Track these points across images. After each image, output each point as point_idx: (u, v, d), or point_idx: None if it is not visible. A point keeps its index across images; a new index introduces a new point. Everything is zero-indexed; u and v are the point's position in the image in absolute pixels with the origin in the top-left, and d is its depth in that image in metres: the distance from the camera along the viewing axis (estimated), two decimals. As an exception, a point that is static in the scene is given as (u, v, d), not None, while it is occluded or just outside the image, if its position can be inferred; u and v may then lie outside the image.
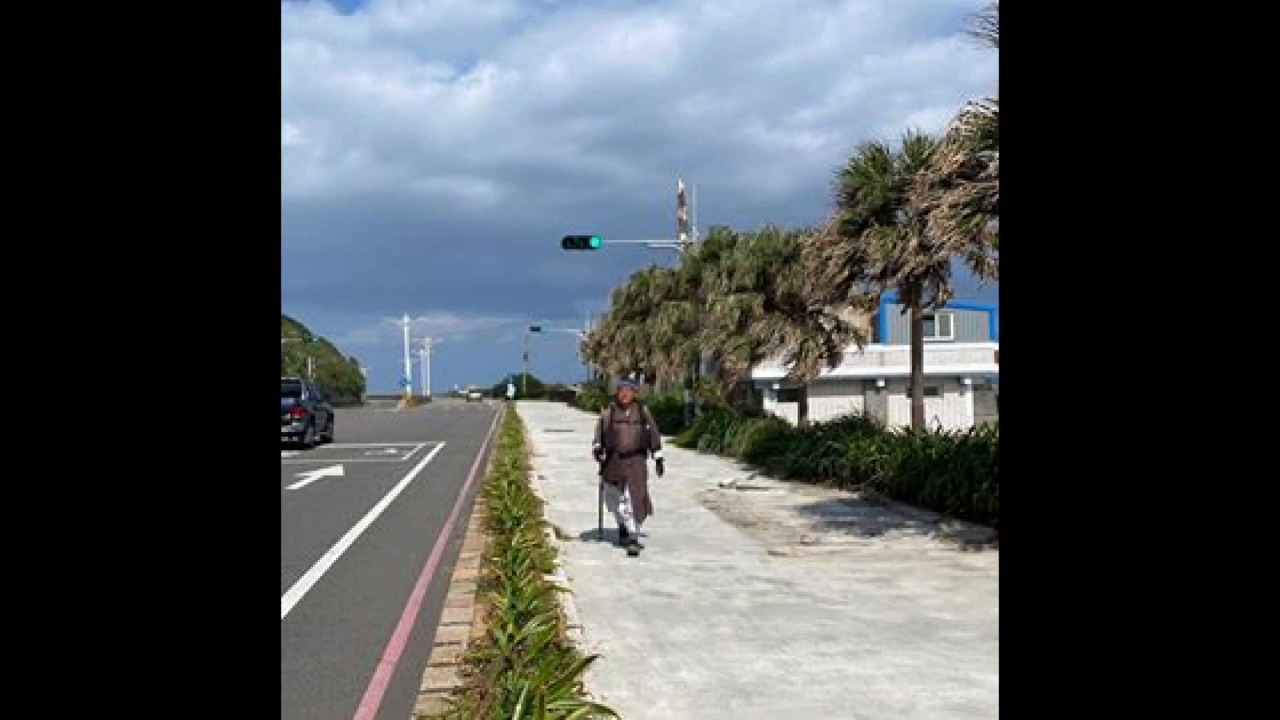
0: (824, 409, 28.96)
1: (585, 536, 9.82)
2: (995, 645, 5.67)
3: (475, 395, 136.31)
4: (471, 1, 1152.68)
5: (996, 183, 9.18)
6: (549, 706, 4.01)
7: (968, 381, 41.44)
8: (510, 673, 4.62)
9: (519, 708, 4.01)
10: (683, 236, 29.51)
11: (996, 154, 9.66)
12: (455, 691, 4.72)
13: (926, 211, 11.65)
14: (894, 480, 12.38)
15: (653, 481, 9.42)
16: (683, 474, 16.15)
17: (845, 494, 13.18)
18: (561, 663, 4.68)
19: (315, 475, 16.57)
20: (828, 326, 20.84)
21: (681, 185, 29.83)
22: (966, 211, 10.21)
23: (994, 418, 13.79)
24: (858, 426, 16.25)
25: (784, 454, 16.17)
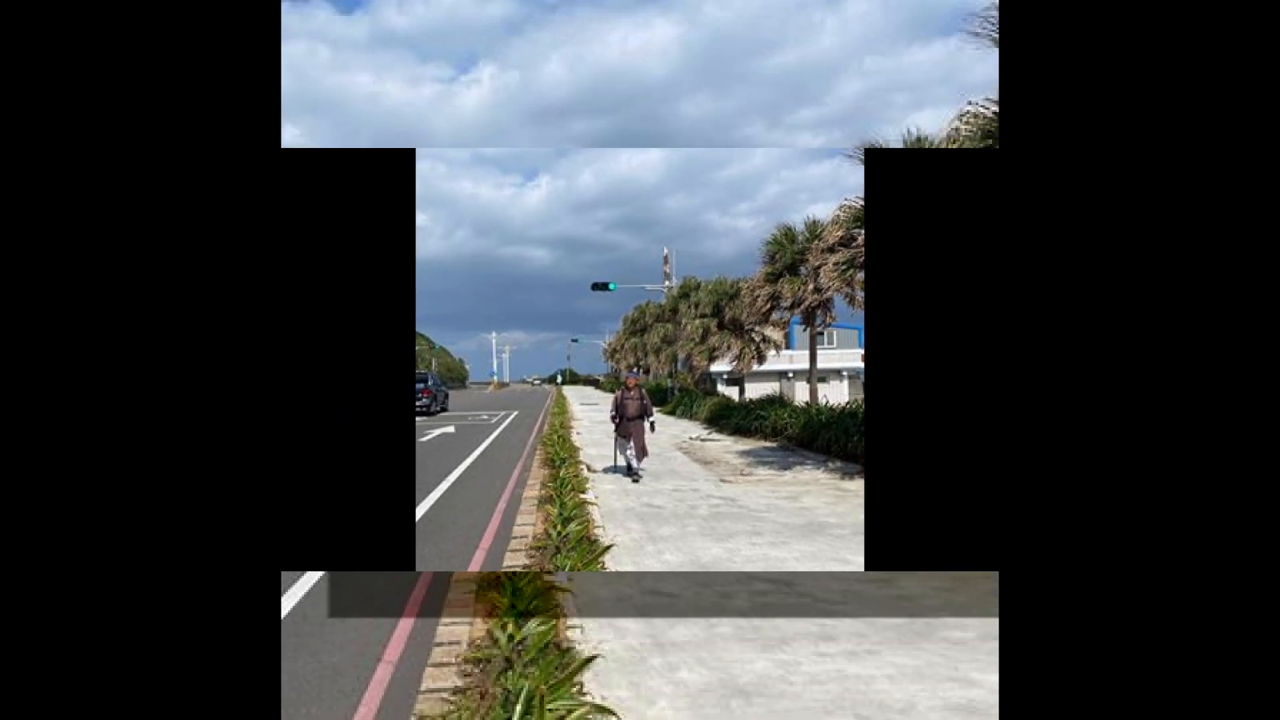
0: (755, 390, 28.83)
1: (606, 471, 9.80)
2: (856, 540, 5.63)
3: (536, 382, 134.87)
4: (471, 1, 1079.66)
5: (863, 249, 9.15)
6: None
7: (845, 373, 41.35)
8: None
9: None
10: (666, 283, 29.51)
11: (862, 232, 9.60)
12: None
13: (819, 267, 11.69)
14: (799, 435, 12.37)
15: (648, 436, 9.43)
16: (666, 431, 16.10)
17: (768, 444, 13.15)
18: (592, 554, 4.63)
19: (436, 432, 16.49)
20: (757, 338, 20.76)
21: (666, 250, 30.00)
22: (844, 267, 10.24)
23: (861, 396, 13.78)
24: (776, 401, 16.24)
25: (730, 418, 16.14)
